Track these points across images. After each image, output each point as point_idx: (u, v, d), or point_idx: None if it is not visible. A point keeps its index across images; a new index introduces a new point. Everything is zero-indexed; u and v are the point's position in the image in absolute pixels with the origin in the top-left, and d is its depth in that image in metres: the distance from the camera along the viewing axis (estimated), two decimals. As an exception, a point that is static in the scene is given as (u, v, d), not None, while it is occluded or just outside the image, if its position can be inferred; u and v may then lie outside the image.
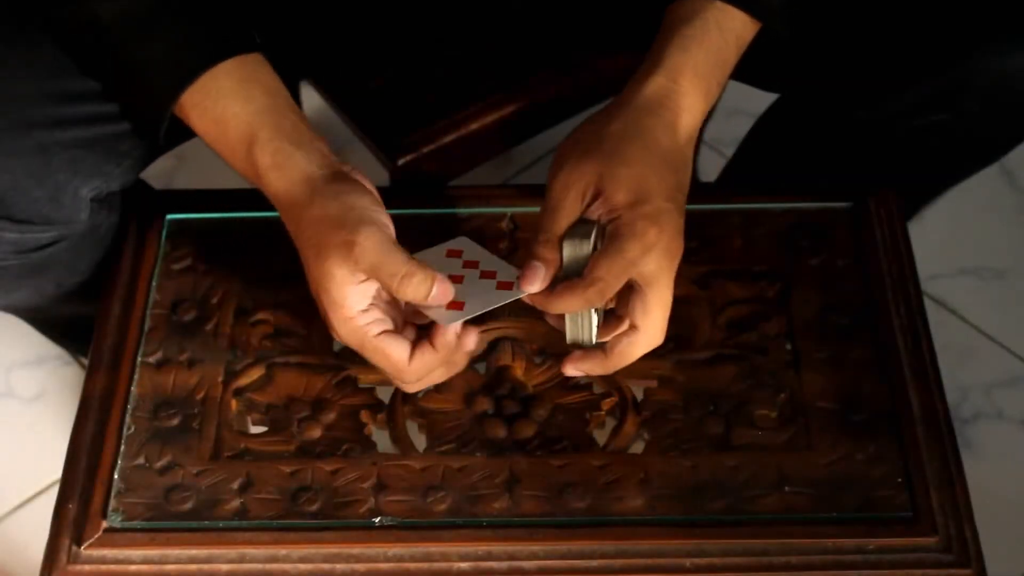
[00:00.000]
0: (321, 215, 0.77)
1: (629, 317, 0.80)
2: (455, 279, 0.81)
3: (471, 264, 0.84)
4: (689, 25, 0.83)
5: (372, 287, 0.78)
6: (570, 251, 0.79)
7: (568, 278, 0.79)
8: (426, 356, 0.80)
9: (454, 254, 0.85)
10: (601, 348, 0.81)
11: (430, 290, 0.77)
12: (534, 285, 0.79)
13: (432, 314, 0.79)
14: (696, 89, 0.83)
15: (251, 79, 0.80)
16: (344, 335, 0.79)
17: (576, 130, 0.84)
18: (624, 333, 0.81)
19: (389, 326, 0.80)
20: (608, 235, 0.79)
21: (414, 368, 0.80)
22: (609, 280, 0.78)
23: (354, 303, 0.78)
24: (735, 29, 0.84)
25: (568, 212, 0.80)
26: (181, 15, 0.80)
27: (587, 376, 0.85)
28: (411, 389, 0.84)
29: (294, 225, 0.80)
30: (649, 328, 0.80)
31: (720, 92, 0.85)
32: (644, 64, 0.84)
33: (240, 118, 0.79)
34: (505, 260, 0.84)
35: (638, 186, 0.79)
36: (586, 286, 0.77)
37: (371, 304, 0.79)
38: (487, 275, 0.83)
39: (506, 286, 0.81)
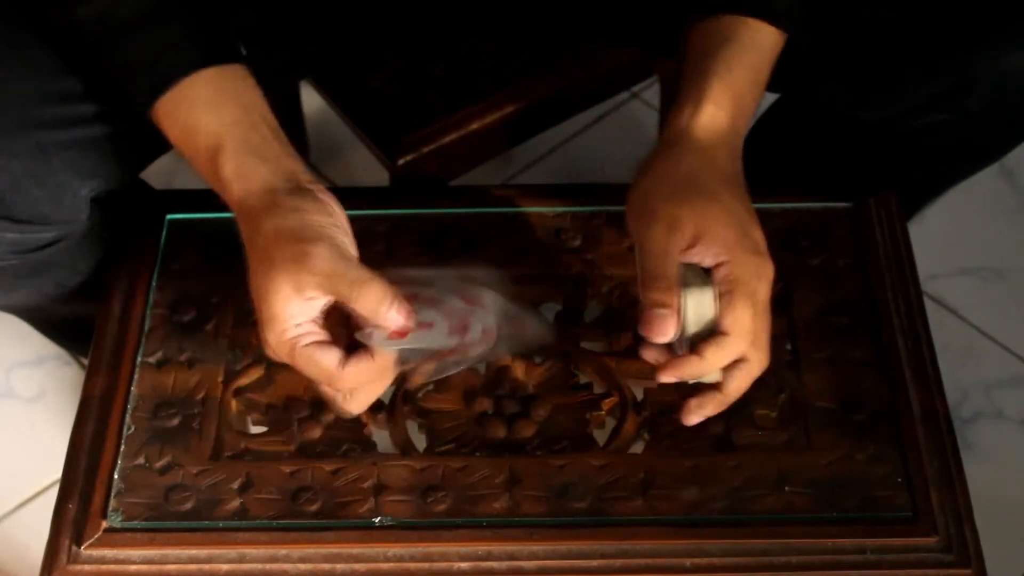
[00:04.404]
0: (276, 227, 0.75)
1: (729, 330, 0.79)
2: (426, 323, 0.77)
3: (465, 316, 0.79)
4: (728, 48, 0.83)
5: (315, 306, 0.75)
6: (693, 298, 0.78)
7: (693, 325, 0.79)
8: (362, 364, 0.76)
9: (469, 301, 0.79)
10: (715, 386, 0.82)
11: (389, 305, 0.74)
12: (664, 334, 0.78)
13: (373, 338, 0.76)
14: (740, 113, 0.83)
15: (225, 91, 0.79)
16: (275, 346, 0.76)
17: (646, 173, 0.83)
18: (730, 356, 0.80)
19: (321, 338, 0.76)
20: (727, 279, 0.79)
21: (347, 374, 0.76)
22: (756, 326, 0.79)
23: (291, 317, 0.75)
24: (769, 46, 0.85)
25: (676, 255, 0.79)
26: (161, 22, 0.78)
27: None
28: (347, 406, 0.80)
29: (248, 234, 0.78)
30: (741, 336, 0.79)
31: (756, 108, 0.86)
32: (689, 92, 0.83)
33: (209, 128, 0.78)
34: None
35: (736, 221, 0.80)
36: (738, 340, 0.78)
37: (307, 321, 0.76)
38: (459, 328, 0.78)
39: (461, 330, 0.77)
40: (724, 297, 0.79)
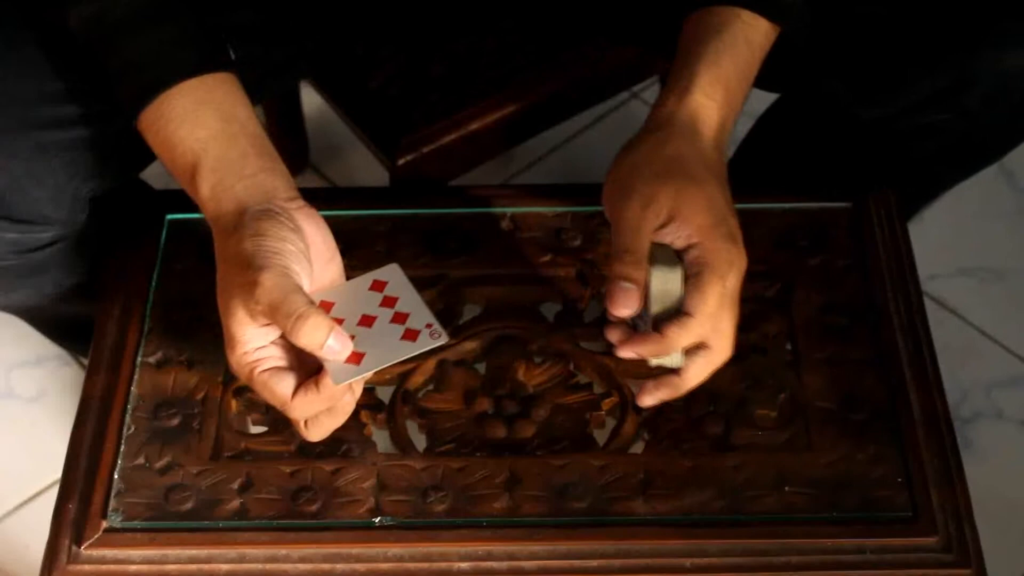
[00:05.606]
0: (236, 251, 0.74)
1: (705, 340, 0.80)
2: (367, 320, 0.78)
3: (389, 301, 0.79)
4: (718, 39, 0.83)
5: (273, 332, 0.75)
6: (660, 276, 0.78)
7: (658, 303, 0.79)
8: (308, 396, 0.76)
9: (377, 286, 0.80)
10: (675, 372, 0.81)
11: (325, 338, 0.73)
12: (628, 308, 0.78)
13: (328, 367, 0.75)
14: (728, 105, 0.84)
15: (206, 102, 0.77)
16: (235, 368, 0.77)
17: (627, 155, 0.83)
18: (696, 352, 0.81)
19: (281, 364, 0.76)
20: (697, 261, 0.79)
21: (295, 405, 0.76)
22: (721, 313, 0.79)
23: (249, 341, 0.75)
24: (760, 41, 0.85)
25: (648, 232, 0.79)
26: (147, 27, 0.77)
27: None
28: (305, 434, 0.79)
29: (217, 254, 0.77)
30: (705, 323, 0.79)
31: (744, 103, 0.86)
32: (677, 79, 0.84)
33: (186, 144, 0.77)
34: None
35: (713, 206, 0.80)
36: (702, 323, 0.78)
37: (270, 344, 0.76)
38: (399, 318, 0.78)
39: (411, 336, 0.77)
40: (692, 279, 0.78)
